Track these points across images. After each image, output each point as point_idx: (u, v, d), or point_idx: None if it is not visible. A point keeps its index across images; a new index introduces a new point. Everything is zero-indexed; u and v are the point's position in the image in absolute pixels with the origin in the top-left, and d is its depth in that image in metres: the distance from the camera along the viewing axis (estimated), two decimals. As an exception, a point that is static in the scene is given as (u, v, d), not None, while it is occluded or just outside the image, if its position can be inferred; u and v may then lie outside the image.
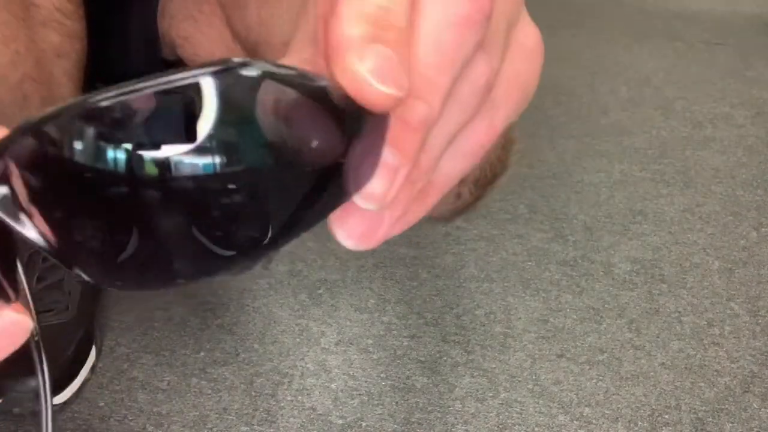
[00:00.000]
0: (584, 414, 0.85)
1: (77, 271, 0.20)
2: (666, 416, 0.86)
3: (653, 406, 0.87)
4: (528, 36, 0.25)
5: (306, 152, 0.19)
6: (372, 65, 0.19)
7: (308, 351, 0.92)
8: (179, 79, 0.18)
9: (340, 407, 0.85)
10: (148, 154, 0.18)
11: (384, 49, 0.19)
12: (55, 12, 0.64)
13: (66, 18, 0.65)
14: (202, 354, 0.91)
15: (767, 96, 1.60)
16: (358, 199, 0.21)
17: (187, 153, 0.18)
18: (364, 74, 0.18)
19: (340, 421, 0.83)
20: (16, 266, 0.21)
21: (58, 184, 0.18)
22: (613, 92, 1.59)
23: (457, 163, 0.24)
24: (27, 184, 0.18)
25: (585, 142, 1.40)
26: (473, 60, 0.22)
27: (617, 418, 0.85)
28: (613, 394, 0.88)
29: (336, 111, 0.19)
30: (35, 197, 0.18)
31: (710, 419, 0.86)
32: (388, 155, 0.20)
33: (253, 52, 0.64)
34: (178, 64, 0.76)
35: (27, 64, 0.65)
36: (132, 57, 0.77)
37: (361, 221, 0.23)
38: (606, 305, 1.01)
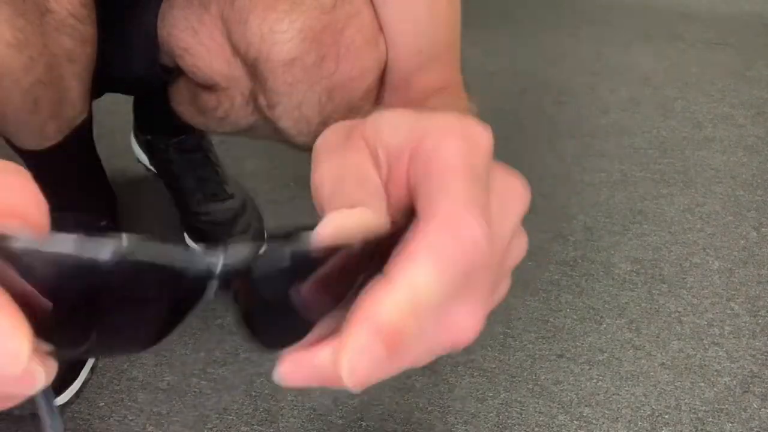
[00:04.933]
0: (584, 414, 0.85)
1: None
2: (666, 416, 0.86)
3: (653, 406, 0.87)
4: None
5: None
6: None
7: (308, 351, 0.92)
8: None
9: (340, 407, 0.85)
10: None
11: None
12: (69, 17, 0.64)
13: (79, 23, 0.65)
14: (202, 354, 0.91)
15: (767, 96, 1.60)
16: (348, 382, 0.24)
17: None
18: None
19: (340, 421, 0.83)
20: None
21: None
22: (613, 92, 1.59)
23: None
24: None
25: (585, 142, 1.40)
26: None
27: (617, 418, 0.85)
28: (613, 394, 0.88)
29: None
30: None
31: (710, 419, 0.86)
32: (379, 351, 0.24)
33: (252, 67, 0.64)
34: (177, 71, 0.76)
35: (39, 69, 0.65)
36: (131, 62, 0.77)
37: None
38: (606, 305, 1.01)
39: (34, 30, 0.62)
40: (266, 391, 0.86)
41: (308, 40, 0.61)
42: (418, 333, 0.23)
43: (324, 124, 0.64)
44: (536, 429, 0.84)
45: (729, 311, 1.01)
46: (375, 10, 0.62)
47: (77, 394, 0.84)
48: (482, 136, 0.25)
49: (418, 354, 0.25)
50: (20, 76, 0.65)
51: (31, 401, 0.83)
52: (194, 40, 0.67)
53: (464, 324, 0.26)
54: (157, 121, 1.05)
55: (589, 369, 0.91)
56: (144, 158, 1.15)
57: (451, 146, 0.25)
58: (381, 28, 0.62)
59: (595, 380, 0.90)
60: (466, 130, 0.25)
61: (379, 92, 0.65)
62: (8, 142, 0.81)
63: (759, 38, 1.89)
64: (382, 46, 0.62)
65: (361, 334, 0.23)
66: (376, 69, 0.63)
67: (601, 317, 0.99)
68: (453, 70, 0.65)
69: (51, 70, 0.67)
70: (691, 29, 1.91)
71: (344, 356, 0.23)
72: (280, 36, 0.60)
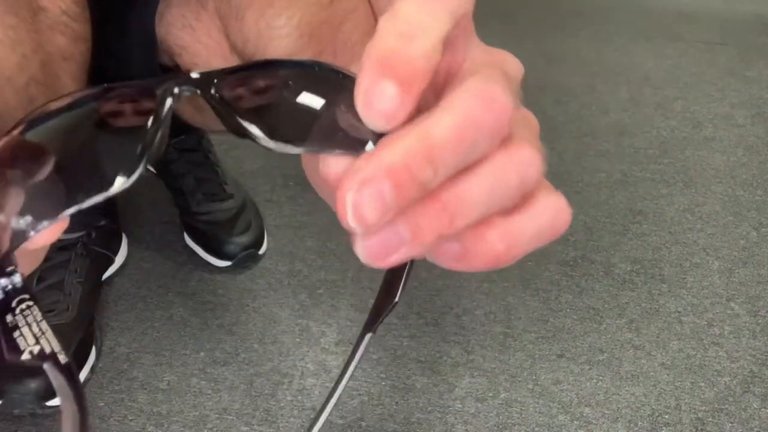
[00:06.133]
0: (584, 414, 0.85)
1: None
2: (666, 416, 0.86)
3: (653, 406, 0.87)
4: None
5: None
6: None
7: (308, 351, 0.92)
8: None
9: (340, 407, 0.85)
10: None
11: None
12: (62, 15, 0.64)
13: (73, 21, 0.65)
14: (202, 354, 0.91)
15: (767, 96, 1.60)
16: (350, 220, 0.22)
17: None
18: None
19: (340, 421, 0.83)
20: None
21: None
22: (613, 92, 1.59)
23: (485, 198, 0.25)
24: None
25: (585, 142, 1.40)
26: (525, 154, 0.24)
27: (617, 418, 0.85)
28: (613, 394, 0.88)
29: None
30: None
31: (710, 419, 0.86)
32: (385, 188, 0.22)
33: None
34: (176, 70, 0.76)
35: (33, 68, 0.65)
36: (130, 61, 0.77)
37: (377, 241, 0.24)
38: (606, 305, 1.01)
39: (26, 28, 0.62)
40: (266, 391, 0.86)
41: (306, 35, 0.61)
42: (432, 176, 0.22)
43: None
44: (536, 429, 0.84)
45: (729, 311, 1.01)
46: (371, 4, 0.62)
47: (77, 394, 0.84)
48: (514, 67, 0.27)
49: (478, 201, 0.23)
50: (14, 74, 0.65)
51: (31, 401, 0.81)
52: (192, 38, 0.67)
53: (523, 153, 0.24)
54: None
55: (589, 369, 0.91)
56: (144, 158, 1.15)
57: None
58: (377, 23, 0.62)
59: (595, 380, 0.90)
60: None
61: None
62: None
63: (759, 38, 1.89)
64: None
65: (362, 160, 0.21)
66: None
67: (601, 317, 0.99)
68: None
69: (45, 69, 0.67)
70: (691, 29, 1.91)
71: (346, 189, 0.21)
72: (277, 32, 0.60)
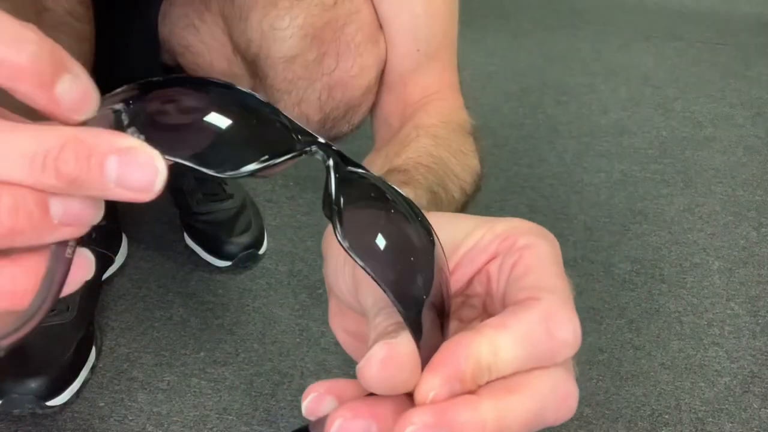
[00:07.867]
0: (584, 414, 0.85)
1: None
2: (666, 416, 0.86)
3: (653, 406, 0.87)
4: None
5: None
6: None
7: (308, 351, 0.92)
8: None
9: (340, 407, 0.85)
10: None
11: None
12: (66, 15, 0.64)
13: (77, 21, 0.65)
14: (202, 354, 0.91)
15: (767, 96, 1.60)
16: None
17: None
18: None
19: (340, 421, 0.83)
20: None
21: None
22: (613, 92, 1.59)
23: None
24: None
25: (585, 142, 1.40)
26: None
27: (617, 418, 0.85)
28: (613, 394, 0.88)
29: None
30: None
31: (710, 419, 0.86)
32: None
33: (253, 64, 0.64)
34: (178, 70, 0.76)
35: None
36: (133, 61, 0.77)
37: None
38: (606, 305, 1.01)
39: None
40: (266, 391, 0.86)
41: (309, 36, 0.61)
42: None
43: (323, 121, 0.65)
44: (536, 429, 0.84)
45: (729, 311, 1.01)
46: (374, 8, 0.62)
47: (77, 394, 0.84)
48: (555, 239, 0.29)
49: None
50: None
51: (30, 401, 0.80)
52: (195, 38, 0.67)
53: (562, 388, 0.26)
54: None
55: (589, 369, 0.91)
56: (144, 158, 1.15)
57: (543, 245, 0.28)
58: (381, 26, 0.62)
59: (595, 380, 0.90)
60: (547, 234, 0.29)
61: (378, 91, 0.65)
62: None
63: (759, 38, 1.89)
64: (382, 43, 0.63)
65: (437, 406, 0.24)
66: (376, 66, 0.63)
67: (601, 317, 0.99)
68: (450, 71, 0.65)
69: None
70: (691, 29, 1.91)
71: (409, 421, 0.23)
72: (281, 33, 0.60)
